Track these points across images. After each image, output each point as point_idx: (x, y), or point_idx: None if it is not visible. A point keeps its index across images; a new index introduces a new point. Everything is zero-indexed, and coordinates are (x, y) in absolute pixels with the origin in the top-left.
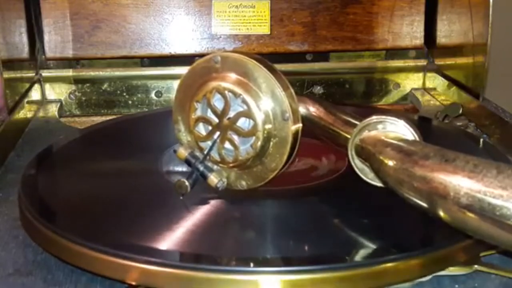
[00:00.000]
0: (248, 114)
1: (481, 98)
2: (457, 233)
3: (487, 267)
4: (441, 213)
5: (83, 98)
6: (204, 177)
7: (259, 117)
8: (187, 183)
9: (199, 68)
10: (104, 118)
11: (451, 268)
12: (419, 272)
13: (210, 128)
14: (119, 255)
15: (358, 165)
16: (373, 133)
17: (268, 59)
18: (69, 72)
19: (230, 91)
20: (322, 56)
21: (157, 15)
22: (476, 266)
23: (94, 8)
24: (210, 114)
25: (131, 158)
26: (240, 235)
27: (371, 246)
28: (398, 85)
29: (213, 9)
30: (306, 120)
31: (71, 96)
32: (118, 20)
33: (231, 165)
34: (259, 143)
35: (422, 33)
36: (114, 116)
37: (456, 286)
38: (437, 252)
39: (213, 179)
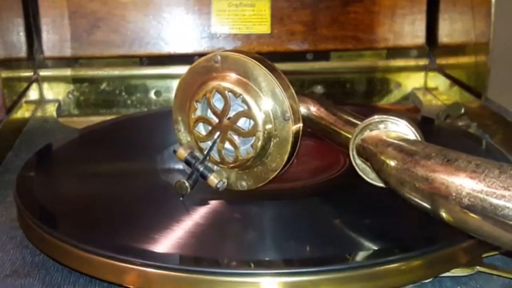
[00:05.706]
0: (248, 114)
1: (483, 98)
2: (459, 234)
3: (489, 268)
4: (443, 214)
5: (82, 98)
6: (204, 177)
7: (260, 117)
8: (187, 184)
9: (199, 68)
10: (102, 118)
11: (453, 269)
12: (421, 273)
13: (210, 128)
14: (116, 258)
15: (359, 165)
16: (374, 132)
17: (268, 58)
18: (67, 72)
19: (230, 91)
20: (323, 55)
21: (156, 14)
22: (478, 267)
23: (93, 7)
24: (210, 114)
25: (130, 158)
26: (240, 236)
27: (372, 247)
28: (399, 85)
29: (213, 8)
30: (307, 120)
31: (69, 95)
32: (117, 19)
33: (231, 165)
34: (259, 143)
35: (424, 32)
36: (112, 116)
37: (458, 287)
38: (439, 253)
39: (213, 179)
